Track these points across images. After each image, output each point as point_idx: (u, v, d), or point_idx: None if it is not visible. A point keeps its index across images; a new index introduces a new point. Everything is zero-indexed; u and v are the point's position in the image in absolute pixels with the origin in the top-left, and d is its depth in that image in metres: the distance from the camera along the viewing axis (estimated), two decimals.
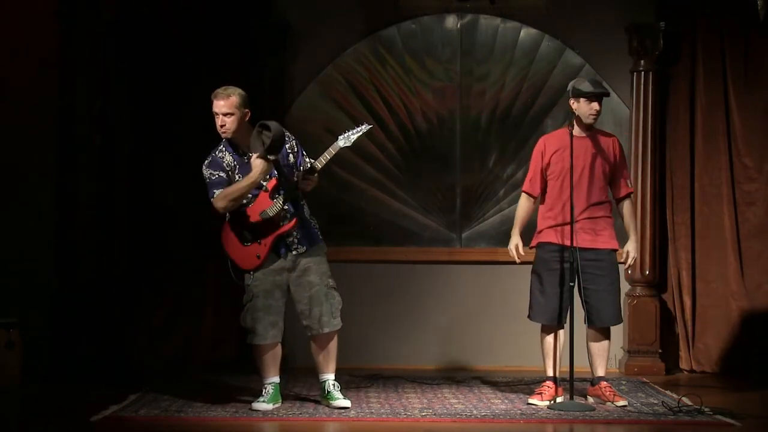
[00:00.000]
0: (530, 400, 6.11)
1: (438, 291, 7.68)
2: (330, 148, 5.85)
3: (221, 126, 5.84)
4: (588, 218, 6.09)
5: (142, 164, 7.47)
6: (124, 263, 7.40)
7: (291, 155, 5.94)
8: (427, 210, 7.74)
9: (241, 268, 5.88)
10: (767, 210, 7.50)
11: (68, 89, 7.34)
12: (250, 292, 5.87)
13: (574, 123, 6.15)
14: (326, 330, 5.91)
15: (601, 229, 6.12)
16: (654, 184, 7.51)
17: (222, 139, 5.95)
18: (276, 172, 5.84)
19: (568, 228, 6.04)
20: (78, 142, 7.32)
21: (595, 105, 6.07)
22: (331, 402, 5.95)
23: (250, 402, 5.99)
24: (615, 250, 6.18)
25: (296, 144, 5.99)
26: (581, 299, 6.01)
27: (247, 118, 5.88)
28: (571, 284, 6.01)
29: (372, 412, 5.85)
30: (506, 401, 6.20)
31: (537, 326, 6.21)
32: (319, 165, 5.85)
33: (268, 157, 5.71)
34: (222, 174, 5.84)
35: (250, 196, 5.83)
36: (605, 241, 6.13)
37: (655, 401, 6.20)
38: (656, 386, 6.75)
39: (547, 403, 6.04)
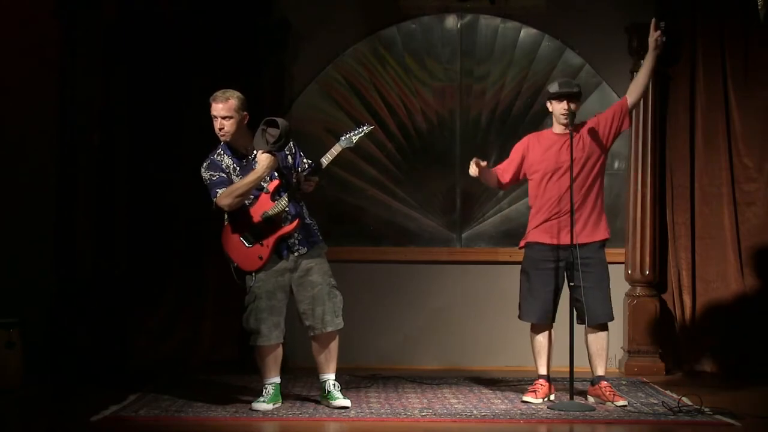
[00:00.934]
0: (524, 398, 6.13)
1: (438, 291, 7.68)
2: (332, 149, 5.87)
3: (220, 129, 5.85)
4: (576, 214, 6.07)
5: (142, 164, 7.47)
6: (124, 263, 7.40)
7: (289, 156, 5.95)
8: (427, 210, 7.74)
9: (243, 270, 5.87)
10: (767, 210, 7.50)
11: (68, 89, 7.34)
12: (253, 293, 5.87)
13: (554, 122, 6.18)
14: (329, 329, 5.92)
15: (589, 222, 6.10)
16: (654, 184, 7.51)
17: (220, 142, 5.94)
18: (276, 174, 5.85)
19: (555, 226, 6.06)
20: (78, 142, 7.32)
21: (564, 105, 6.08)
22: (331, 402, 5.95)
23: (250, 402, 5.99)
24: (603, 244, 6.16)
25: (294, 145, 6.00)
26: (570, 297, 6.02)
27: (246, 121, 5.89)
28: (572, 284, 6.01)
29: (372, 412, 5.85)
30: (506, 401, 6.20)
31: None
32: (319, 166, 5.86)
33: (274, 152, 5.71)
34: (222, 174, 5.84)
35: (252, 197, 5.82)
36: (590, 233, 6.09)
37: (655, 401, 6.20)
38: (656, 386, 6.75)
39: (541, 400, 6.07)
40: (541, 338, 6.20)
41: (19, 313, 6.76)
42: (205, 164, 5.92)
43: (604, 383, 6.15)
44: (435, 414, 5.79)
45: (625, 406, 6.01)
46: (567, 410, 5.83)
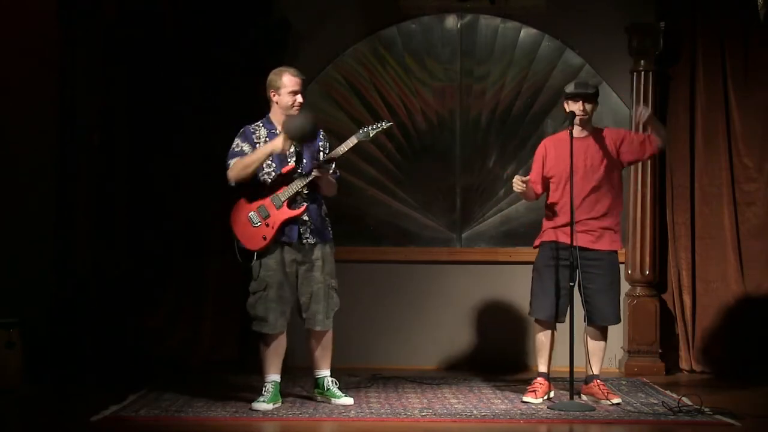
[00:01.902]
0: (524, 398, 6.13)
1: (438, 291, 7.68)
2: (348, 140, 5.96)
3: (299, 103, 5.90)
4: (590, 219, 6.10)
5: (141, 164, 7.47)
6: (124, 263, 7.40)
7: (321, 153, 6.03)
8: (427, 210, 7.74)
9: (246, 249, 5.90)
10: (767, 210, 7.50)
11: (68, 89, 7.34)
12: (264, 281, 5.90)
13: (575, 124, 6.18)
14: (317, 328, 6.00)
15: (604, 229, 6.14)
16: (654, 184, 7.51)
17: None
18: (292, 160, 5.91)
19: (576, 227, 6.07)
20: (78, 142, 7.32)
21: (579, 105, 6.11)
22: (332, 399, 5.98)
23: (250, 402, 5.99)
24: (616, 252, 6.20)
25: (324, 137, 6.09)
26: (581, 298, 6.03)
27: None
28: (571, 284, 6.02)
29: (372, 412, 5.85)
30: (506, 401, 6.19)
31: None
32: (334, 155, 5.93)
33: (293, 141, 5.81)
34: (246, 146, 5.91)
35: (268, 178, 5.87)
36: (606, 243, 6.16)
37: (655, 401, 6.20)
38: (656, 386, 6.75)
39: (541, 400, 6.07)
40: (543, 337, 6.22)
41: (19, 313, 6.76)
42: (240, 131, 6.00)
43: (597, 381, 6.17)
44: (435, 414, 5.78)
45: (619, 404, 6.02)
46: (567, 410, 5.83)
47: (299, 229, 5.92)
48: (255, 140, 5.93)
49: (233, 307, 7.45)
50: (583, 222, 6.09)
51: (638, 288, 7.53)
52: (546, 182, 6.26)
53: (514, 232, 7.52)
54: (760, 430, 5.58)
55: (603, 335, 6.22)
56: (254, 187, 5.92)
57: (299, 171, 5.93)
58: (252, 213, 5.89)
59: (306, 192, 5.92)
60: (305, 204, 5.92)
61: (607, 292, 6.12)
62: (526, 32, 7.70)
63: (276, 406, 5.91)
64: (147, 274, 7.42)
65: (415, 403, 6.10)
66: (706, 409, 5.78)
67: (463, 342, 7.65)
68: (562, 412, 5.81)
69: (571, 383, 5.96)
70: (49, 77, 7.35)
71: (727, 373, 7.31)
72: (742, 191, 7.51)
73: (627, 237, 7.54)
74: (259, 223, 5.88)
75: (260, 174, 5.91)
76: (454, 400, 6.23)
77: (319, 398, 6.09)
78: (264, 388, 5.94)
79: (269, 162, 5.90)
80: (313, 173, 5.90)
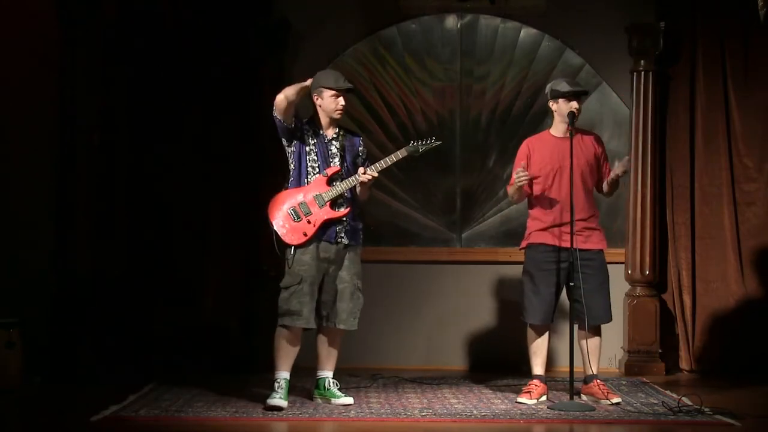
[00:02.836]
0: (519, 399, 6.14)
1: (438, 291, 7.68)
2: (397, 152, 6.06)
3: (341, 106, 6.03)
4: (579, 219, 6.09)
5: (142, 164, 7.46)
6: (124, 263, 7.39)
7: (360, 158, 6.12)
8: (427, 210, 7.74)
9: (284, 242, 5.92)
10: (767, 210, 7.50)
11: (68, 89, 7.33)
12: (299, 275, 5.91)
13: (555, 124, 6.21)
14: (342, 327, 6.03)
15: (591, 229, 6.17)
16: (654, 184, 7.51)
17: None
18: (336, 162, 5.99)
19: (558, 229, 6.08)
20: (78, 142, 7.32)
21: (574, 104, 6.11)
22: (332, 399, 6.00)
23: (250, 402, 5.99)
24: (603, 251, 6.21)
25: (366, 151, 6.20)
26: (573, 299, 6.03)
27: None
28: (571, 284, 6.02)
29: (372, 412, 5.85)
30: (506, 401, 6.19)
31: None
32: (383, 164, 5.98)
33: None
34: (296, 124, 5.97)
35: (312, 174, 5.93)
36: (595, 242, 6.18)
37: (655, 401, 6.20)
38: (656, 386, 6.75)
39: (536, 401, 6.08)
40: (540, 339, 6.22)
41: (19, 313, 6.76)
42: None
43: (597, 381, 6.17)
44: (435, 414, 5.78)
45: (619, 403, 6.02)
46: (567, 410, 5.83)
47: (336, 228, 5.97)
48: (304, 126, 5.99)
49: (233, 307, 7.45)
50: (575, 222, 6.07)
51: (638, 288, 7.53)
52: (530, 183, 6.24)
53: (514, 232, 7.51)
54: (760, 430, 5.58)
55: (597, 333, 6.22)
56: (297, 183, 5.98)
57: (342, 173, 5.99)
58: (293, 208, 5.92)
59: (347, 196, 6.00)
60: (348, 207, 5.99)
61: (597, 291, 6.11)
62: (526, 32, 7.70)
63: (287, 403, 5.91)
64: (147, 274, 7.41)
65: (415, 403, 6.10)
66: (706, 409, 5.78)
67: (463, 342, 7.65)
68: (562, 412, 5.81)
69: (571, 383, 5.96)
70: (49, 77, 7.34)
71: (727, 373, 7.31)
72: (742, 191, 7.52)
73: (627, 237, 7.54)
74: (300, 219, 5.91)
75: (304, 169, 5.98)
76: (454, 400, 6.23)
77: (319, 400, 6.09)
78: (277, 384, 5.93)
79: (314, 158, 5.97)
80: (360, 178, 5.95)
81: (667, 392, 6.51)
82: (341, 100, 6.01)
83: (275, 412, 5.80)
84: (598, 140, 6.32)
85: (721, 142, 7.51)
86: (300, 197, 5.94)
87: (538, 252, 6.19)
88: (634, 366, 7.40)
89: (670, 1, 7.56)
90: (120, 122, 7.45)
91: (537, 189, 6.22)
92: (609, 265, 6.28)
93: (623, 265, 7.53)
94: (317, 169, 5.98)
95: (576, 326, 6.11)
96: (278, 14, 7.54)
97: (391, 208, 7.73)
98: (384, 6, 7.69)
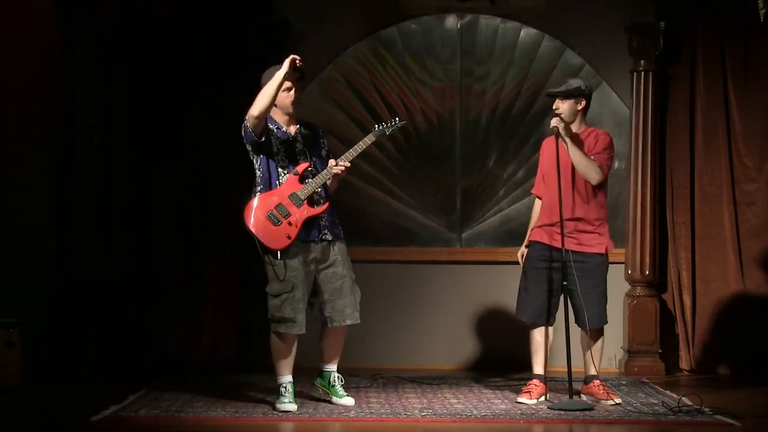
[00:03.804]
0: (519, 399, 6.13)
1: (438, 291, 7.68)
2: (365, 138, 5.99)
3: (294, 98, 5.93)
4: (575, 219, 6.07)
5: (141, 164, 7.46)
6: (124, 263, 7.40)
7: (324, 150, 6.05)
8: (427, 210, 7.74)
9: (269, 248, 5.85)
10: (767, 210, 7.50)
11: (68, 89, 7.33)
12: (290, 282, 5.84)
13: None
14: (348, 322, 6.00)
15: (584, 232, 6.11)
16: (654, 184, 7.51)
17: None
18: (303, 159, 5.93)
19: (554, 229, 6.08)
20: (78, 142, 7.32)
21: (555, 104, 6.12)
22: (334, 398, 6.00)
23: (250, 402, 5.99)
24: (602, 254, 6.17)
25: (326, 142, 6.14)
26: (568, 300, 6.03)
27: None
28: (564, 283, 5.99)
29: (372, 412, 5.85)
30: (506, 401, 6.19)
31: None
32: (354, 152, 5.93)
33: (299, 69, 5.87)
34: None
35: (281, 178, 5.86)
36: (588, 244, 6.12)
37: (655, 401, 6.20)
38: (656, 386, 6.75)
39: (536, 401, 6.08)
40: (538, 337, 6.22)
41: (19, 313, 6.76)
42: None
43: (597, 381, 6.17)
44: (435, 414, 5.78)
45: (619, 403, 6.02)
46: (567, 410, 5.83)
47: (317, 226, 5.93)
48: (268, 123, 5.91)
49: (233, 307, 7.45)
50: (569, 222, 6.05)
51: (638, 288, 7.53)
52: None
53: (514, 232, 7.51)
54: (760, 430, 5.58)
55: (598, 333, 6.20)
56: (268, 186, 5.89)
57: (311, 169, 5.93)
58: (271, 212, 5.84)
59: (320, 190, 5.93)
60: (326, 202, 5.93)
61: (590, 294, 6.08)
62: (526, 32, 7.70)
63: None
64: (147, 274, 7.41)
65: (415, 403, 6.10)
66: (706, 409, 5.78)
67: (463, 342, 7.65)
68: (562, 412, 5.81)
69: (570, 383, 5.96)
70: (49, 77, 7.35)
71: (726, 373, 7.32)
72: (742, 191, 7.52)
73: (627, 237, 7.54)
74: (280, 222, 5.84)
75: (273, 172, 5.90)
76: (454, 400, 6.23)
77: (320, 390, 6.09)
78: (283, 389, 5.90)
79: (282, 158, 5.89)
80: (333, 170, 5.88)
81: (667, 392, 6.50)
82: (293, 93, 5.89)
83: (275, 413, 5.80)
84: (597, 138, 6.18)
85: (721, 142, 7.51)
86: (275, 199, 5.85)
87: (534, 250, 6.21)
88: (634, 366, 7.40)
89: (670, 1, 7.56)
90: (120, 122, 7.45)
91: (542, 189, 6.24)
92: (609, 265, 6.23)
93: (623, 265, 7.53)
94: (287, 170, 5.89)
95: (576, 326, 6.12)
96: (278, 14, 7.54)
97: (390, 208, 7.73)
98: (384, 6, 7.69)
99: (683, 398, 5.96)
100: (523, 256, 6.28)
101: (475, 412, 5.86)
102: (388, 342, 7.62)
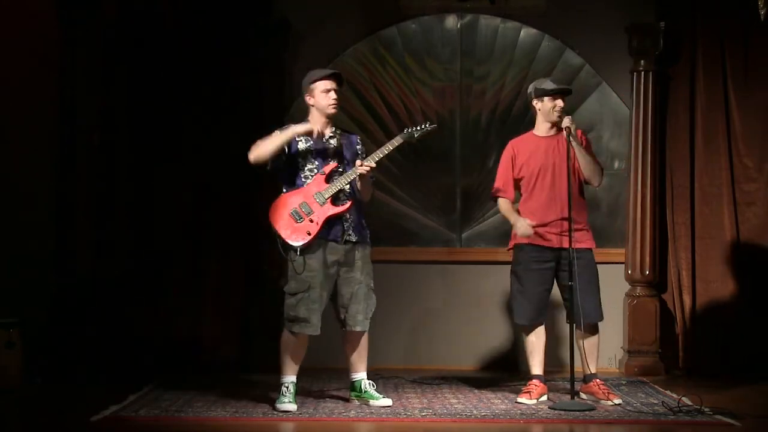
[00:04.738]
0: (519, 399, 6.13)
1: (438, 291, 7.68)
2: (392, 140, 6.01)
3: (334, 99, 5.96)
4: (563, 219, 6.07)
5: (141, 164, 7.46)
6: (124, 263, 7.40)
7: (359, 156, 6.05)
8: (426, 210, 7.74)
9: (289, 244, 5.86)
10: (767, 210, 7.50)
11: (68, 89, 7.34)
12: (306, 282, 5.86)
13: (538, 123, 6.23)
14: (357, 329, 6.00)
15: (579, 229, 6.12)
16: (654, 184, 7.51)
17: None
18: (334, 160, 5.95)
19: (546, 229, 6.07)
20: (78, 142, 7.32)
21: (559, 102, 6.14)
22: (370, 401, 5.99)
23: (251, 402, 5.99)
24: (591, 250, 6.19)
25: (365, 150, 6.14)
26: (562, 298, 6.03)
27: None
28: (570, 283, 6.00)
29: (372, 412, 5.85)
30: (506, 401, 6.19)
31: None
32: (379, 153, 5.94)
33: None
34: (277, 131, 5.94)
35: (308, 177, 5.90)
36: (581, 240, 6.12)
37: (655, 401, 6.20)
38: (656, 386, 6.75)
39: (536, 401, 6.08)
40: (534, 338, 6.22)
41: (19, 313, 6.76)
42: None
43: (597, 381, 6.17)
44: (435, 414, 5.78)
45: (619, 403, 6.02)
46: (567, 410, 5.83)
47: (341, 226, 5.93)
48: (297, 139, 5.95)
49: (233, 307, 7.45)
50: (557, 222, 6.08)
51: (638, 288, 7.53)
52: (516, 184, 6.26)
53: None
54: (760, 430, 5.57)
55: (593, 330, 6.20)
56: (295, 185, 5.93)
57: (340, 170, 5.95)
58: (294, 210, 5.87)
59: (348, 191, 5.94)
60: (350, 201, 5.94)
61: (586, 290, 6.08)
62: (526, 32, 7.70)
63: None
64: (147, 274, 7.41)
65: (415, 403, 6.10)
66: (706, 409, 5.78)
67: (463, 342, 7.65)
68: (562, 412, 5.81)
69: (572, 383, 5.96)
70: (49, 77, 7.35)
71: (727, 373, 7.31)
72: (742, 191, 7.52)
73: (627, 237, 7.54)
74: (302, 219, 5.87)
75: (301, 173, 5.93)
76: (454, 400, 6.23)
77: (356, 401, 6.08)
78: (285, 388, 5.90)
79: (312, 159, 5.93)
80: (357, 170, 5.90)
81: (667, 392, 6.51)
82: (332, 94, 5.94)
83: (275, 412, 5.80)
84: (583, 136, 6.24)
85: (721, 142, 7.51)
86: (300, 198, 5.90)
87: (524, 252, 6.19)
88: (634, 366, 7.40)
89: (670, 1, 7.56)
90: (120, 122, 7.45)
91: (523, 190, 6.24)
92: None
93: (623, 265, 7.53)
94: (315, 170, 5.95)
95: (574, 325, 6.11)
96: (278, 14, 7.55)
97: (390, 208, 7.73)
98: (384, 6, 7.69)
99: (683, 398, 5.96)
100: (529, 225, 6.13)
101: (475, 412, 5.86)
102: (388, 342, 7.61)
